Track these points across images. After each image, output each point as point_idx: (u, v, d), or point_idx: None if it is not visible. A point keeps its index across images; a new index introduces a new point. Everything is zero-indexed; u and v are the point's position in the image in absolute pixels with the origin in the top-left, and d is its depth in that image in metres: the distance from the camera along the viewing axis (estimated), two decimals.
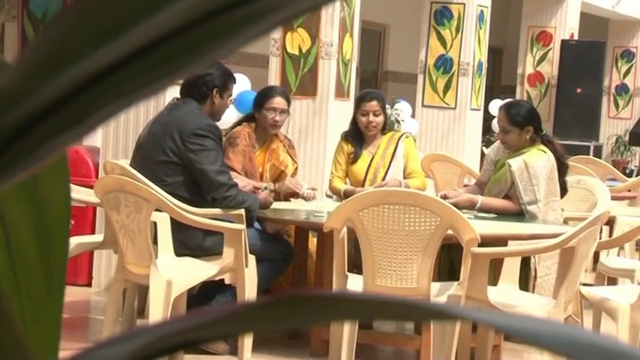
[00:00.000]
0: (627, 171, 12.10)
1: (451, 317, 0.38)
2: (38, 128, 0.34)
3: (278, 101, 5.44)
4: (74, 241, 5.04)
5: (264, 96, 5.54)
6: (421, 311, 0.37)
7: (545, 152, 5.21)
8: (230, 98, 5.09)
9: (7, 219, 0.43)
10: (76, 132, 0.35)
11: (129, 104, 0.35)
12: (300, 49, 8.28)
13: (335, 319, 0.39)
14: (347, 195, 5.31)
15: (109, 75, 0.34)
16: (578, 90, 12.25)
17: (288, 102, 5.52)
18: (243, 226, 4.58)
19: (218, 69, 4.95)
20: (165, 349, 0.38)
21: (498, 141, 5.51)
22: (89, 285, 6.20)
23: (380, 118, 5.69)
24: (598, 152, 12.11)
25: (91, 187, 4.83)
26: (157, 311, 4.33)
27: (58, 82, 0.34)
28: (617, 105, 14.38)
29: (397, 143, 5.80)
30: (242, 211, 4.67)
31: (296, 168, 5.66)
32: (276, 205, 5.13)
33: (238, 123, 5.65)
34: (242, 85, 8.51)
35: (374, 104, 5.65)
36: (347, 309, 0.37)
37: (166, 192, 4.52)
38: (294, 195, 5.40)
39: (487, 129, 11.27)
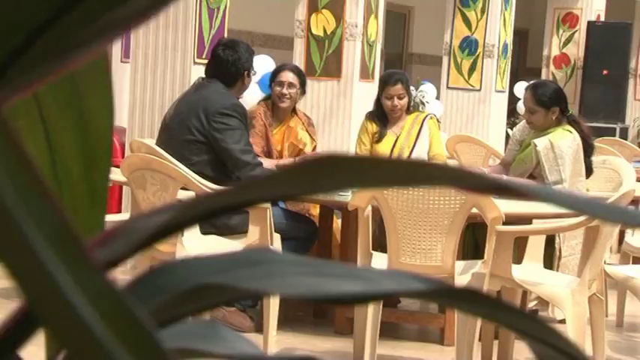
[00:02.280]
0: None
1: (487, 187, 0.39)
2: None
3: (285, 75, 5.45)
4: None
5: (275, 71, 5.57)
6: (449, 174, 0.38)
7: (571, 132, 5.20)
8: (253, 72, 5.10)
9: (53, 137, 0.45)
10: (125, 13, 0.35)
11: None
12: (324, 31, 8.28)
13: (365, 183, 0.41)
14: None
15: None
16: (605, 72, 12.17)
17: (300, 78, 5.51)
18: (268, 205, 4.61)
19: (246, 51, 4.97)
20: (204, 214, 0.39)
21: (524, 121, 5.50)
22: None
23: (404, 101, 5.70)
24: (624, 134, 12.04)
25: (118, 166, 4.87)
26: None
27: None
28: None
29: (422, 124, 5.81)
30: None
31: (315, 146, 5.66)
32: None
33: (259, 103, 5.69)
34: (266, 66, 8.52)
35: (398, 88, 5.65)
36: (379, 172, 0.38)
37: (192, 171, 4.55)
38: None
39: (512, 111, 11.23)
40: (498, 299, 0.42)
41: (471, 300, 0.39)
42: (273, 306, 4.63)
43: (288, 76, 5.44)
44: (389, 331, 4.81)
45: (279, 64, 8.44)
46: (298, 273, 0.39)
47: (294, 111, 5.59)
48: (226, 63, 4.88)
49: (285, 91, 5.42)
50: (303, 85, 5.51)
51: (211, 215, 0.40)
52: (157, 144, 4.86)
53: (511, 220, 4.34)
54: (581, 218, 4.08)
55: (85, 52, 0.35)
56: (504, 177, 5.26)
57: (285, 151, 5.52)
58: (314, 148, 5.65)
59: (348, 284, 0.38)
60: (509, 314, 0.40)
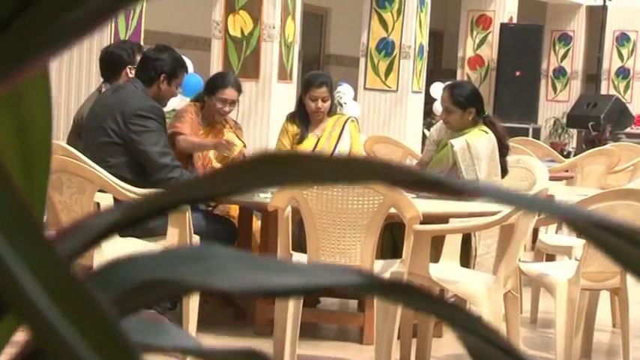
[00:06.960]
0: (565, 153, 12.30)
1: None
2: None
3: (230, 92, 5.40)
4: None
5: (216, 83, 5.47)
6: (382, 170, 0.40)
7: (486, 133, 5.29)
8: (178, 88, 5.07)
9: None
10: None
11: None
12: (242, 32, 8.27)
13: (304, 179, 0.42)
14: None
15: None
16: (517, 73, 12.41)
17: (240, 92, 5.51)
18: (187, 207, 4.59)
19: (170, 56, 4.96)
20: (152, 211, 0.40)
21: (441, 121, 5.58)
22: None
23: (327, 103, 5.73)
24: (537, 134, 12.29)
25: None
26: None
27: None
28: (554, 88, 14.60)
29: (343, 126, 5.85)
30: None
31: (242, 148, 5.64)
32: None
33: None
34: None
35: (323, 90, 5.66)
36: (316, 168, 0.40)
37: (110, 173, 4.50)
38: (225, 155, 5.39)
39: (428, 112, 11.38)
40: (427, 291, 0.43)
41: (401, 292, 0.41)
42: (192, 308, 4.61)
43: (232, 94, 5.41)
44: (309, 330, 4.83)
45: (198, 65, 8.42)
46: (239, 267, 0.40)
47: None
48: (148, 60, 4.90)
49: (227, 109, 5.41)
50: (239, 98, 5.51)
51: (149, 216, 0.41)
52: (69, 146, 4.81)
53: (428, 219, 4.40)
54: (497, 217, 4.17)
55: (40, 57, 0.35)
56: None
57: (211, 153, 5.49)
58: (240, 151, 5.60)
59: (288, 277, 0.39)
60: (437, 305, 0.42)
